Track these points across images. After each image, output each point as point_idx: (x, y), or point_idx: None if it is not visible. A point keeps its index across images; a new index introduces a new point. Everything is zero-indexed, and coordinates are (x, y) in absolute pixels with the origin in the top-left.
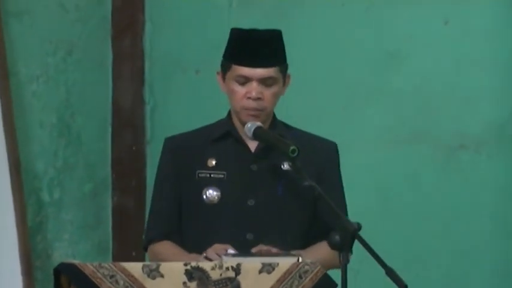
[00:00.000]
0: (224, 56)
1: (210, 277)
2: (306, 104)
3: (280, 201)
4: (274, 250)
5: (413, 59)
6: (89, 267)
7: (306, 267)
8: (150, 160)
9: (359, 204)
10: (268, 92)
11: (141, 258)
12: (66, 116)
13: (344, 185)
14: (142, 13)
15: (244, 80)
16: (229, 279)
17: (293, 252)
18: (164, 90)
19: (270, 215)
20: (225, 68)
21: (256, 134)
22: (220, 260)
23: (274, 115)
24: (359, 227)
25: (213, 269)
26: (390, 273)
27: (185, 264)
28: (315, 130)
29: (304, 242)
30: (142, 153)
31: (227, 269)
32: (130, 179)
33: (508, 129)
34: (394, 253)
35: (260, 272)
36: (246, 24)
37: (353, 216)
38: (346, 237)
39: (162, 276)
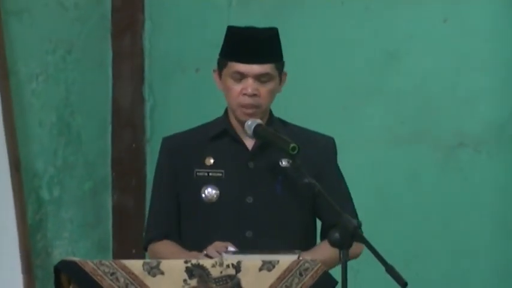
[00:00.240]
0: (220, 53)
1: (211, 274)
2: (305, 103)
3: (279, 198)
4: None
5: (413, 58)
6: (90, 265)
7: (306, 264)
8: (150, 159)
9: (359, 203)
10: (264, 89)
11: (141, 257)
12: (65, 115)
13: None
14: (142, 12)
15: (240, 77)
16: (230, 276)
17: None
18: (164, 89)
19: (268, 212)
20: (221, 66)
21: (257, 132)
22: (220, 257)
23: (271, 112)
24: (359, 224)
25: (213, 266)
26: (391, 270)
27: (186, 262)
28: (314, 129)
29: (304, 238)
30: (142, 152)
31: (227, 266)
32: (130, 178)
33: (507, 129)
34: (394, 252)
35: (260, 269)
36: (245, 23)
37: None
38: (346, 234)
39: (162, 273)
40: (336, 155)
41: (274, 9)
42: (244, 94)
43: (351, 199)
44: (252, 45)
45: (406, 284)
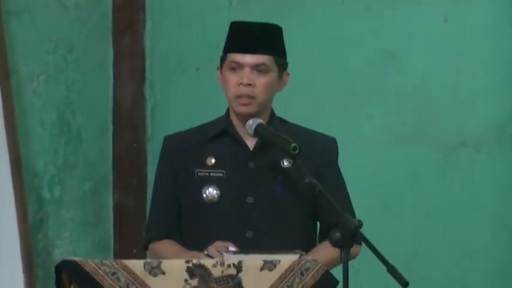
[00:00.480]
0: (223, 49)
1: (212, 274)
2: (305, 103)
3: (279, 199)
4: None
5: (413, 58)
6: (90, 265)
7: (308, 264)
8: (150, 158)
9: (359, 203)
10: (260, 80)
11: (142, 256)
12: (66, 114)
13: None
14: (143, 12)
15: (237, 66)
16: (231, 276)
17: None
18: (164, 88)
19: (268, 212)
20: (222, 60)
21: (258, 132)
22: (221, 257)
23: (272, 111)
24: (360, 224)
25: (214, 266)
26: (392, 270)
27: (186, 262)
28: (315, 129)
29: (304, 238)
30: (142, 152)
31: (228, 266)
32: (131, 177)
33: (508, 129)
34: (394, 252)
35: (261, 269)
36: None
37: None
38: (347, 234)
39: (163, 273)
40: (337, 156)
41: (274, 9)
42: (240, 84)
43: (349, 200)
44: (250, 36)
45: (407, 283)
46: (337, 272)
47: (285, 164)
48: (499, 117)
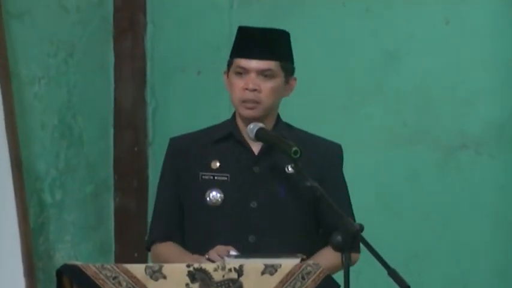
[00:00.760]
0: (230, 54)
1: (213, 278)
2: (306, 104)
3: (283, 204)
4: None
5: (413, 59)
6: (92, 269)
7: (309, 268)
8: (151, 161)
9: (359, 204)
10: (265, 85)
11: (143, 259)
12: (67, 117)
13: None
14: (144, 14)
15: (243, 71)
16: (232, 280)
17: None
18: (165, 91)
19: (272, 217)
20: (228, 65)
21: (259, 135)
22: (222, 261)
23: (278, 116)
24: (361, 228)
25: (215, 270)
26: (393, 274)
27: (188, 266)
28: (315, 130)
29: (307, 243)
30: (144, 154)
31: (230, 270)
32: (132, 180)
33: (508, 129)
34: (394, 253)
35: (263, 273)
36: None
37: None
38: (348, 238)
39: (164, 277)
40: (342, 162)
41: (275, 11)
42: (246, 89)
43: (350, 205)
44: (257, 41)
45: (408, 287)
46: (338, 276)
47: (290, 169)
48: (499, 118)
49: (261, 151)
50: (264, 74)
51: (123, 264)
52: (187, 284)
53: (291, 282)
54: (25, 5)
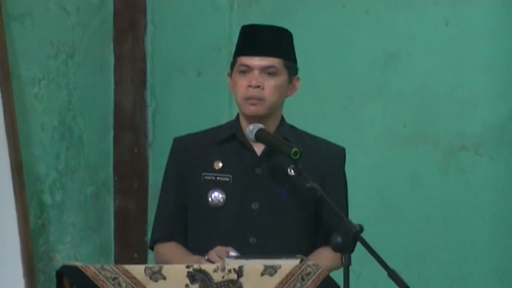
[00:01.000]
0: (233, 54)
1: (213, 279)
2: (306, 104)
3: (284, 206)
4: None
5: (413, 60)
6: (91, 270)
7: (308, 269)
8: (152, 162)
9: (360, 205)
10: (268, 83)
11: (143, 261)
12: (68, 119)
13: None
14: (144, 16)
15: (246, 69)
16: (232, 281)
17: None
18: (166, 92)
19: (273, 218)
20: (232, 65)
21: (259, 136)
22: (222, 262)
23: (282, 118)
24: (361, 228)
25: (215, 271)
26: (393, 275)
27: (187, 267)
28: (316, 131)
29: (307, 246)
30: (144, 156)
31: (229, 271)
32: (132, 182)
33: (508, 131)
34: (395, 254)
35: (262, 274)
36: None
37: (353, 216)
38: (348, 239)
39: (164, 278)
40: (344, 165)
41: (275, 13)
42: (249, 86)
43: (346, 207)
44: (260, 38)
45: None
46: (338, 277)
47: (292, 172)
48: (499, 119)
49: (264, 152)
50: (267, 71)
51: (123, 265)
52: (187, 285)
53: (290, 283)
54: (25, 7)
